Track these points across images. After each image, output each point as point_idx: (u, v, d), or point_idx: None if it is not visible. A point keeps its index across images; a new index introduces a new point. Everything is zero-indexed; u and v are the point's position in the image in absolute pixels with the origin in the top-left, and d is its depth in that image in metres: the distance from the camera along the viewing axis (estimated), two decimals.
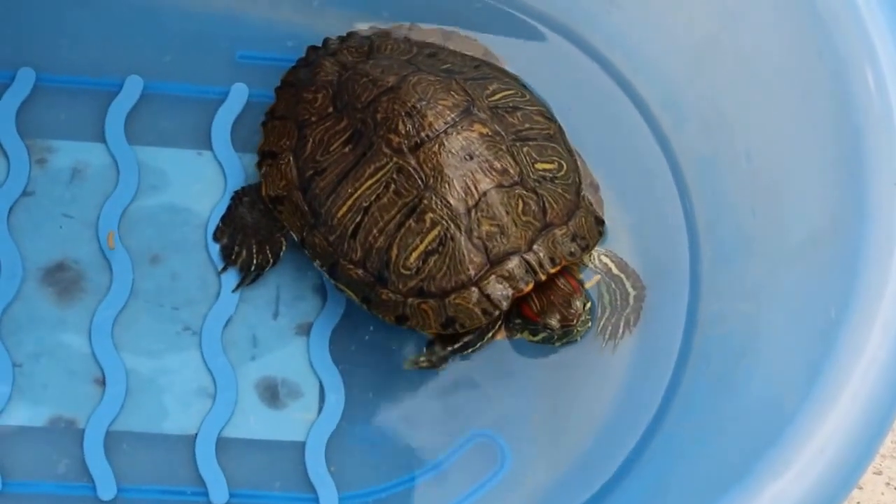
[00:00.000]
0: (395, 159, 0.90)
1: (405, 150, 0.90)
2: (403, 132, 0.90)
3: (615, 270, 0.96)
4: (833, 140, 0.87)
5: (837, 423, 0.79)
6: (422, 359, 0.93)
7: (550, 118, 0.96)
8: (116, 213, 0.97)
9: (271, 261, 0.96)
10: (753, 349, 0.90)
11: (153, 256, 0.97)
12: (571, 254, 0.91)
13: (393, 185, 0.90)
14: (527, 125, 0.93)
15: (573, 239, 0.91)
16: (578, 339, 0.93)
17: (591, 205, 0.94)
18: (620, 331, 0.96)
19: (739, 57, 0.95)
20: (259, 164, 0.96)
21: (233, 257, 0.96)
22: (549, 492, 0.93)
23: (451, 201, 0.89)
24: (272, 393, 0.95)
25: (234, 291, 0.96)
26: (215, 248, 0.97)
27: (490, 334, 0.93)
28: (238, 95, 1.00)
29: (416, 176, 0.89)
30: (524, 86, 0.97)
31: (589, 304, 0.92)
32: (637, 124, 1.02)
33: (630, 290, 0.96)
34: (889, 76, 0.86)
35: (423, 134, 0.90)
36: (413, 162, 0.89)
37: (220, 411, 0.94)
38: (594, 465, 0.94)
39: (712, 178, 0.98)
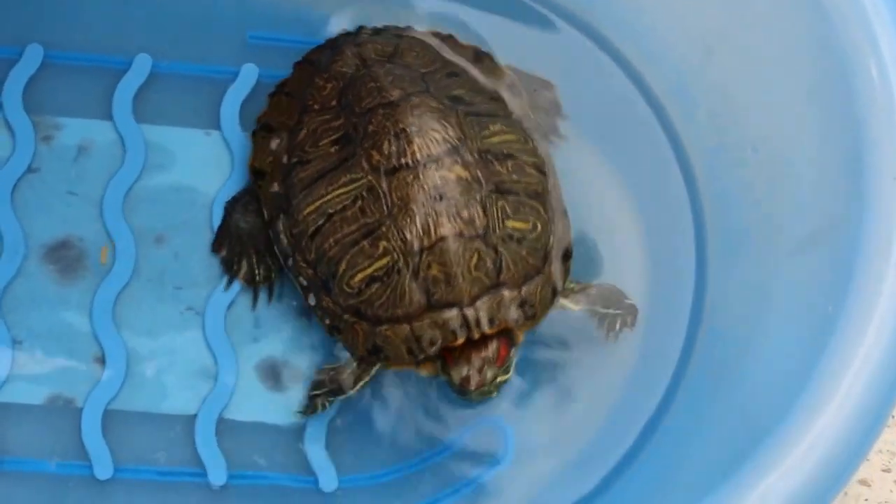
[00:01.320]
0: (369, 177, 0.88)
1: (381, 170, 0.88)
2: (386, 152, 0.88)
3: (601, 309, 0.93)
4: (836, 133, 0.87)
5: (829, 421, 0.79)
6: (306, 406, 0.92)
7: (545, 172, 0.92)
8: (121, 191, 0.96)
9: (273, 270, 0.95)
10: (754, 343, 0.90)
11: (157, 236, 0.96)
12: (514, 320, 0.88)
13: (360, 202, 0.88)
14: (514, 176, 0.90)
15: (521, 305, 0.88)
16: (494, 395, 0.90)
17: (554, 274, 0.91)
18: (618, 327, 0.94)
19: (747, 48, 0.95)
20: (254, 133, 0.95)
21: (234, 269, 0.95)
22: (552, 480, 0.92)
23: (408, 236, 0.87)
24: (274, 375, 0.93)
25: (254, 310, 0.95)
26: None
27: (367, 379, 0.91)
28: (248, 76, 1.00)
29: (383, 200, 0.88)
30: (527, 134, 0.94)
31: (507, 378, 0.89)
32: (645, 114, 1.01)
33: (618, 313, 0.94)
34: (892, 69, 0.86)
35: (402, 160, 0.88)
36: (384, 185, 0.88)
37: (220, 392, 0.93)
38: (597, 456, 0.93)
39: (719, 170, 0.98)
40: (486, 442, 0.93)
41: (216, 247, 0.96)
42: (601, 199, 0.99)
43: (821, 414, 0.79)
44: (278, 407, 0.92)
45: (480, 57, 0.97)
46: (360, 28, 0.98)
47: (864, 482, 0.98)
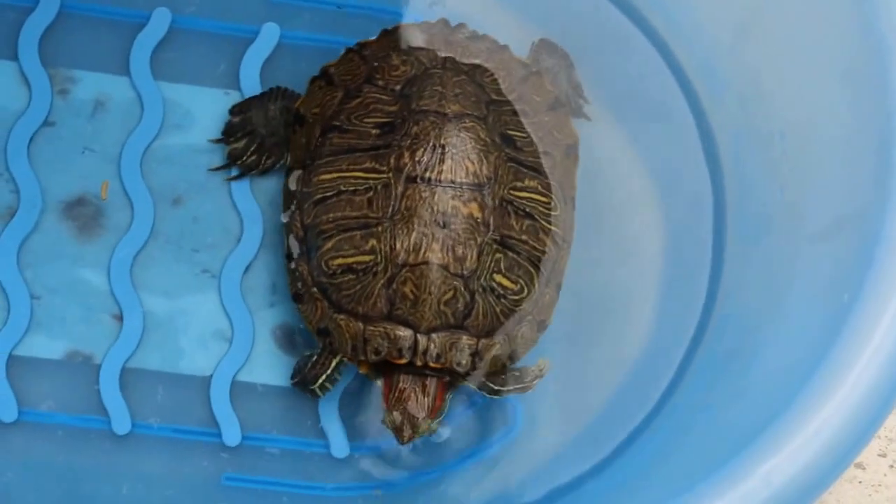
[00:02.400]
0: (390, 175, 0.89)
1: (404, 174, 0.88)
2: (416, 159, 0.88)
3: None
4: (867, 121, 0.86)
5: (836, 408, 0.80)
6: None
7: (559, 244, 0.92)
8: (139, 150, 0.97)
9: (261, 167, 0.95)
10: (766, 327, 0.91)
11: (175, 198, 0.97)
12: (460, 365, 0.88)
13: (371, 193, 0.89)
14: (524, 237, 0.90)
15: (472, 355, 0.89)
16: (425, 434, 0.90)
17: (519, 340, 0.90)
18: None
19: (781, 31, 0.93)
20: (314, 79, 0.94)
21: (232, 138, 0.95)
22: (559, 454, 0.95)
23: (397, 246, 0.87)
24: (289, 340, 0.96)
25: (209, 169, 0.95)
26: (238, 191, 0.97)
27: (328, 374, 0.92)
28: (269, 35, 0.99)
29: (392, 202, 0.88)
30: (559, 202, 0.92)
31: (434, 430, 0.89)
32: (671, 92, 1.00)
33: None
34: None
35: (427, 174, 0.88)
36: (399, 189, 0.88)
37: (235, 355, 0.95)
38: (604, 431, 0.95)
39: (744, 153, 0.97)
40: (495, 413, 0.96)
41: (236, 109, 0.96)
42: (621, 177, 0.99)
43: (828, 400, 0.80)
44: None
45: (556, 107, 0.95)
46: (460, 25, 0.96)
47: (859, 465, 1.01)
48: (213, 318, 0.96)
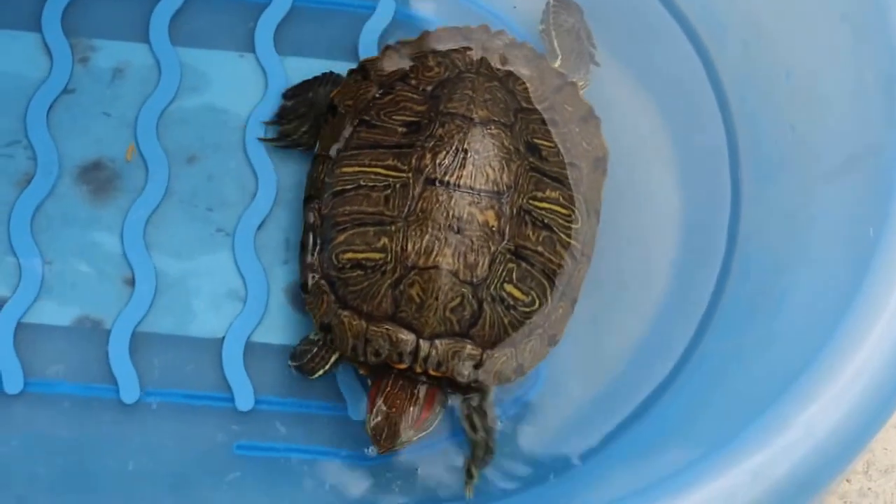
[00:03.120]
0: (409, 175, 0.86)
1: (423, 175, 0.86)
2: (438, 161, 0.86)
3: (474, 426, 0.87)
4: (870, 58, 0.84)
5: (875, 347, 0.75)
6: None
7: (577, 258, 0.88)
8: (155, 113, 0.95)
9: (304, 145, 0.93)
10: (791, 268, 0.87)
11: (190, 157, 0.94)
12: (461, 374, 0.84)
13: (389, 191, 0.86)
14: (539, 248, 0.86)
15: (475, 366, 0.84)
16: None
17: (527, 354, 0.86)
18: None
19: None
20: (351, 72, 0.93)
21: (284, 120, 0.94)
22: (584, 410, 0.89)
23: (409, 247, 0.84)
24: (303, 298, 0.90)
25: (259, 139, 0.94)
26: (253, 151, 0.94)
27: (326, 369, 0.88)
28: None
29: (408, 204, 0.85)
30: (580, 214, 0.89)
31: (413, 441, 0.84)
32: (677, 39, 0.98)
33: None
34: None
35: (447, 177, 0.85)
36: (417, 190, 0.85)
37: (249, 315, 0.90)
38: (629, 385, 0.90)
39: (752, 95, 0.95)
40: None
41: (290, 92, 0.95)
42: (636, 124, 0.96)
43: (865, 339, 0.75)
44: (307, 330, 0.89)
45: (588, 118, 0.92)
46: (500, 31, 0.94)
47: None
48: (226, 278, 0.91)
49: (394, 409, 0.83)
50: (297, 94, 0.95)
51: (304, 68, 0.96)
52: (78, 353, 0.90)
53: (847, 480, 0.95)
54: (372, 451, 0.85)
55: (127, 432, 0.88)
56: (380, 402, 0.83)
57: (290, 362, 0.88)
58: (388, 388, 0.84)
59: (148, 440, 0.88)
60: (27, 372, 0.89)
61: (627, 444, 0.87)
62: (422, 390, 0.84)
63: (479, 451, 0.86)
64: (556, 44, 0.96)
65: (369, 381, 0.86)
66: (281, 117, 0.95)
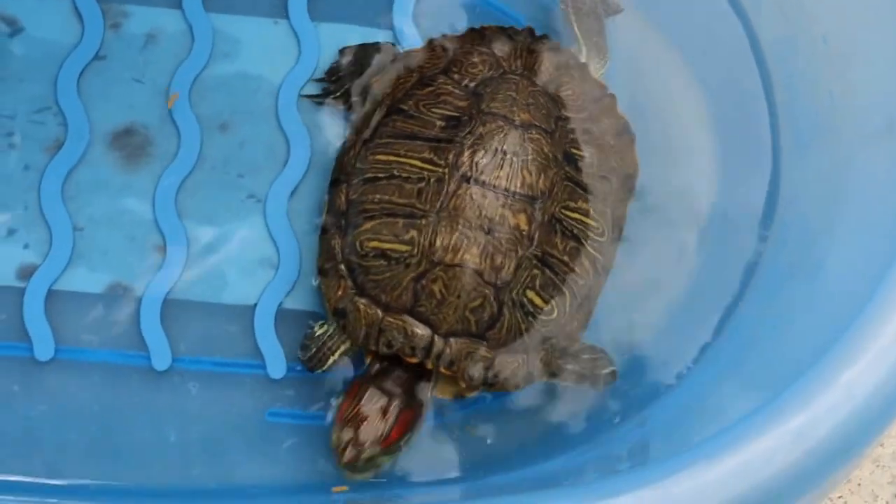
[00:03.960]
0: (445, 170, 0.85)
1: (459, 172, 0.85)
2: (475, 160, 0.85)
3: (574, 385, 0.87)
4: None
5: None
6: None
7: (598, 271, 0.87)
8: (188, 79, 0.94)
9: (344, 107, 0.93)
10: (829, 232, 0.86)
11: (222, 123, 0.93)
12: (471, 376, 0.83)
13: (423, 184, 0.85)
14: (565, 258, 0.86)
15: (487, 368, 0.83)
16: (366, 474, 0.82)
17: (539, 362, 0.85)
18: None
19: None
20: (396, 58, 0.92)
21: (333, 78, 0.94)
22: (622, 375, 0.88)
23: (437, 243, 0.83)
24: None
25: (301, 95, 0.94)
26: (286, 118, 0.93)
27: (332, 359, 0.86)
28: None
29: (441, 198, 0.84)
30: (608, 228, 0.88)
31: (378, 467, 0.82)
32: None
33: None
34: None
35: (482, 177, 0.85)
36: (452, 186, 0.84)
37: (281, 282, 0.89)
38: (667, 349, 0.89)
39: (790, 59, 0.93)
40: None
41: (344, 51, 0.94)
42: (670, 85, 0.95)
43: None
44: None
45: (623, 132, 0.91)
46: (544, 35, 0.93)
47: None
48: (258, 245, 0.91)
49: (363, 424, 0.81)
50: (352, 55, 0.94)
51: (338, 35, 0.95)
52: (109, 320, 0.89)
53: (881, 444, 0.94)
54: (340, 470, 0.81)
55: (158, 399, 0.87)
56: (350, 412, 0.81)
57: (299, 357, 0.87)
58: (361, 402, 0.82)
59: (179, 407, 0.87)
60: (58, 339, 0.88)
61: (665, 408, 0.86)
62: (394, 412, 0.82)
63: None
64: (576, 27, 0.95)
65: (340, 396, 0.85)
66: (330, 74, 0.94)
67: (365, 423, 0.81)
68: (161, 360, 0.88)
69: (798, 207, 0.91)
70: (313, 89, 0.94)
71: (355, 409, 0.81)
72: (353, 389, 0.83)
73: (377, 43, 0.94)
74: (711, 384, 0.85)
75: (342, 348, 0.86)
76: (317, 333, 0.87)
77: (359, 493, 0.83)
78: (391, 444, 0.82)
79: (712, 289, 0.91)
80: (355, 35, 0.95)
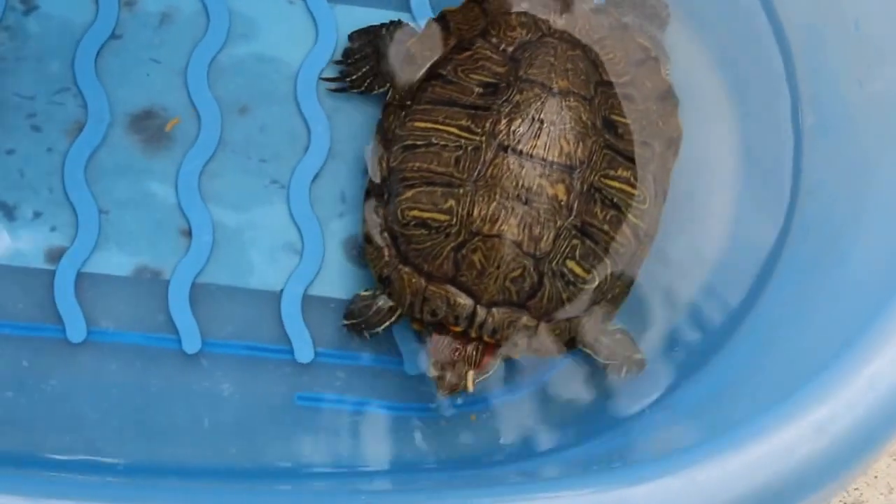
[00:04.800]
0: (483, 139, 0.86)
1: (497, 141, 0.85)
2: (513, 129, 0.86)
3: (605, 361, 0.89)
4: None
5: None
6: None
7: (641, 239, 0.88)
8: (205, 60, 0.94)
9: (363, 89, 0.93)
10: (854, 224, 0.87)
11: (242, 107, 0.94)
12: (514, 344, 0.86)
13: (461, 152, 0.86)
14: (605, 227, 0.87)
15: (529, 337, 0.86)
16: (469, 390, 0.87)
17: (581, 327, 0.87)
18: (622, 373, 0.90)
19: None
20: (434, 19, 0.92)
21: (349, 61, 0.94)
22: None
23: (475, 213, 0.85)
24: (359, 251, 0.92)
25: (321, 78, 0.94)
26: (305, 99, 0.94)
27: (390, 322, 0.89)
28: None
29: (478, 168, 0.85)
30: (649, 195, 0.89)
31: (475, 384, 0.86)
32: None
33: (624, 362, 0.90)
34: None
35: (520, 146, 0.85)
36: (489, 155, 0.85)
37: (306, 268, 0.92)
38: (687, 344, 0.91)
39: (817, 47, 0.93)
40: None
41: (354, 35, 0.94)
42: (692, 70, 0.95)
43: None
44: (365, 283, 0.91)
45: (666, 97, 0.91)
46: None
47: None
48: (282, 231, 0.93)
49: (456, 352, 0.86)
50: (363, 36, 0.94)
51: (355, 16, 0.95)
52: (139, 302, 0.92)
53: None
54: (440, 395, 0.87)
55: (190, 382, 0.91)
56: (443, 344, 0.86)
57: (344, 321, 0.90)
58: (451, 332, 0.86)
59: (211, 390, 0.91)
60: (90, 321, 0.91)
61: (686, 398, 0.89)
62: (478, 346, 0.86)
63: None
64: None
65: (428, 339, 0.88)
66: (345, 58, 0.94)
67: (457, 352, 0.85)
68: (191, 344, 0.91)
69: (822, 199, 0.92)
70: (331, 73, 0.95)
71: (447, 340, 0.86)
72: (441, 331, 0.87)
73: (385, 23, 0.94)
74: (733, 376, 0.88)
75: (394, 316, 0.89)
76: (366, 302, 0.89)
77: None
78: (484, 366, 0.86)
79: (733, 281, 0.92)
80: (372, 17, 0.95)
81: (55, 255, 0.91)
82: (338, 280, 0.92)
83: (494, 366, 0.88)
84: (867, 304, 0.78)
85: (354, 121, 0.94)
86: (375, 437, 0.90)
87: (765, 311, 0.91)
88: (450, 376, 0.85)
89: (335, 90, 0.94)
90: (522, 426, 0.90)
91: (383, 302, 0.89)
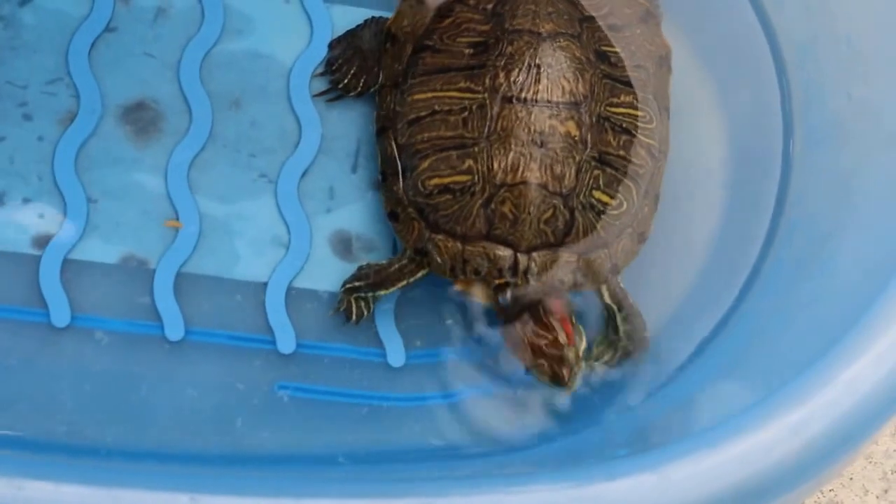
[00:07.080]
0: (486, 95, 0.88)
1: (500, 94, 0.87)
2: (512, 79, 0.87)
3: (620, 325, 0.91)
4: None
5: None
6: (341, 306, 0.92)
7: (656, 157, 0.91)
8: (199, 55, 0.96)
9: (359, 89, 0.95)
10: (838, 234, 0.89)
11: (234, 101, 0.96)
12: (560, 281, 0.87)
13: (466, 113, 0.88)
14: (621, 152, 0.89)
15: (574, 271, 0.88)
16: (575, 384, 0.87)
17: (619, 252, 0.89)
18: (616, 357, 0.91)
19: None
20: None
21: (334, 68, 0.95)
22: (624, 366, 0.92)
23: (495, 166, 0.87)
24: (345, 246, 0.94)
25: (314, 96, 0.95)
26: (297, 96, 0.96)
27: (411, 280, 0.90)
28: None
29: (488, 123, 0.87)
30: (654, 114, 0.91)
31: (584, 346, 0.87)
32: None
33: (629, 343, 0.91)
34: None
35: (523, 94, 0.87)
36: (496, 109, 0.87)
37: (292, 261, 0.93)
38: (669, 344, 0.93)
39: (810, 60, 0.96)
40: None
41: (334, 43, 0.96)
42: (682, 78, 0.96)
43: None
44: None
45: (647, 19, 0.94)
46: None
47: None
48: (269, 224, 0.94)
49: (544, 348, 0.86)
50: (341, 42, 0.96)
51: (350, 15, 0.97)
52: (124, 290, 0.92)
53: (875, 442, 1.00)
54: (563, 395, 0.87)
55: (171, 369, 0.91)
56: (528, 350, 0.86)
57: (345, 285, 0.90)
58: (526, 335, 0.87)
59: (192, 377, 0.91)
60: (74, 307, 0.91)
61: (665, 396, 0.90)
62: (544, 317, 0.86)
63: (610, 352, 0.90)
64: None
65: (500, 335, 0.89)
66: (329, 66, 0.96)
67: (546, 346, 0.86)
68: (175, 331, 0.92)
69: (807, 206, 0.93)
70: (320, 85, 0.96)
71: (530, 343, 0.86)
72: (510, 334, 0.87)
73: (360, 24, 0.96)
74: (713, 376, 0.89)
75: (420, 274, 0.89)
76: (379, 265, 0.90)
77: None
78: (573, 338, 0.86)
79: (717, 284, 0.94)
80: (367, 16, 0.97)
81: (42, 242, 0.92)
82: (323, 273, 0.93)
83: (581, 331, 0.87)
84: (849, 309, 0.79)
85: (345, 118, 0.96)
86: (354, 426, 0.90)
87: (747, 313, 0.92)
88: (561, 367, 0.85)
89: (332, 100, 0.96)
90: (501, 420, 0.91)
91: (408, 260, 0.90)
